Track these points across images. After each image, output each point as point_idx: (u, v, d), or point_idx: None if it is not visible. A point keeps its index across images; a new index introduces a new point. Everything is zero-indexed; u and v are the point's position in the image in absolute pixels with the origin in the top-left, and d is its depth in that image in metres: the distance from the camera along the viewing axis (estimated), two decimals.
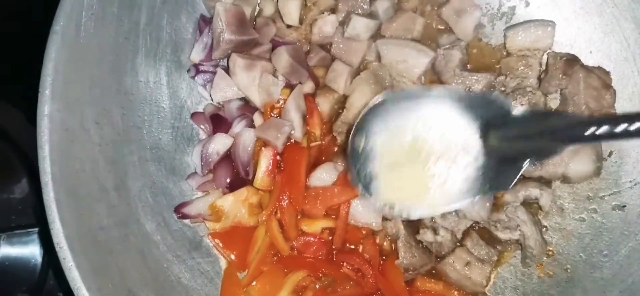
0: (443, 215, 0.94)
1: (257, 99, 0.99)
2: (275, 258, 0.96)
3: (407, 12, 1.02)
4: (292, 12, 1.02)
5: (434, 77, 1.02)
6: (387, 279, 0.92)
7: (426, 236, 0.94)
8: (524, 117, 0.72)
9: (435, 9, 1.03)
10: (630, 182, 0.96)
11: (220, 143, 0.98)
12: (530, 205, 0.97)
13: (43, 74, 0.76)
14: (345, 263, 0.93)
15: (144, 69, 0.94)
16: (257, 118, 1.00)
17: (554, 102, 0.99)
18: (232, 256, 0.97)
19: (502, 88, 0.99)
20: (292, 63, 0.97)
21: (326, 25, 1.02)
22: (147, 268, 0.86)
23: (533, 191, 0.94)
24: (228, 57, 1.01)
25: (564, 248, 0.98)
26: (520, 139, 0.72)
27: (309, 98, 1.00)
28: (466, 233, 0.96)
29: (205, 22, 1.03)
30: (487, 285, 0.94)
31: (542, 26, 0.99)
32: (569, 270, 0.97)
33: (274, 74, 1.00)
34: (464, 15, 1.00)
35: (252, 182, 0.97)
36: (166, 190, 0.96)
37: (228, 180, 0.99)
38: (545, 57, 1.00)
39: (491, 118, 0.74)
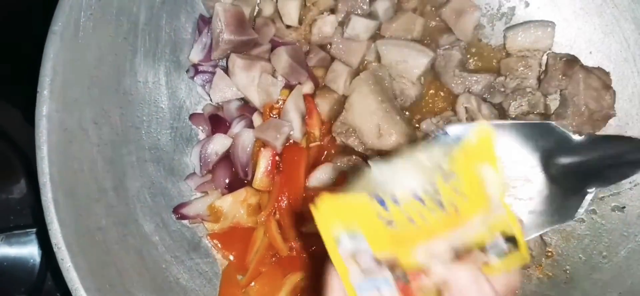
0: None
1: (256, 99, 0.99)
2: (274, 259, 0.96)
3: (406, 13, 1.02)
4: (291, 13, 1.02)
5: (434, 77, 1.02)
6: None
7: None
8: (586, 143, 0.71)
9: (435, 9, 1.03)
10: (630, 183, 0.96)
11: (219, 144, 0.98)
12: None
13: (41, 74, 0.75)
14: None
15: (142, 69, 0.94)
16: (256, 119, 1.00)
17: (553, 103, 0.99)
18: (231, 257, 0.97)
19: (502, 89, 0.99)
20: (292, 63, 0.97)
21: (326, 26, 1.02)
22: (146, 268, 0.86)
23: None
24: (227, 57, 1.00)
25: (563, 249, 0.98)
26: (583, 167, 0.71)
27: (309, 98, 1.00)
28: None
29: (205, 22, 1.03)
30: None
31: (542, 27, 0.99)
32: (568, 271, 0.96)
33: (273, 74, 1.00)
34: (463, 15, 1.00)
35: (251, 183, 0.97)
36: (165, 190, 0.96)
37: (227, 181, 0.99)
38: (544, 57, 1.00)
39: (551, 147, 0.72)
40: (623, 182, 0.96)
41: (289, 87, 0.99)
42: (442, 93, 1.01)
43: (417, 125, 1.00)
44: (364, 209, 0.44)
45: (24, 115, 1.11)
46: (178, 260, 0.93)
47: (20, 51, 1.03)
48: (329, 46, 1.03)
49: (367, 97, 0.94)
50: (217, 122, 1.01)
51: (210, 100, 1.03)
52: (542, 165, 0.72)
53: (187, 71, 1.03)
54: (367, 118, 0.93)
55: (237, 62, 0.97)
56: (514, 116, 0.97)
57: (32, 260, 1.04)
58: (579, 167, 0.71)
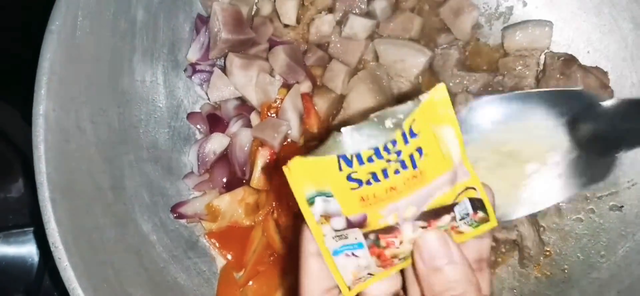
0: None
1: (254, 99, 0.99)
2: (271, 258, 0.96)
3: (404, 12, 1.02)
4: (289, 12, 1.02)
5: (432, 76, 1.02)
6: None
7: None
8: (615, 108, 0.71)
9: (433, 8, 1.03)
10: (628, 182, 0.96)
11: (216, 143, 0.98)
12: None
13: (38, 73, 0.75)
14: None
15: (140, 68, 0.94)
16: (254, 118, 0.99)
17: None
18: (229, 257, 0.97)
19: (500, 88, 0.99)
20: (289, 62, 0.97)
21: (323, 25, 1.02)
22: (143, 267, 0.86)
23: None
24: (225, 56, 1.00)
25: (562, 248, 0.98)
26: (612, 131, 0.70)
27: (306, 97, 1.00)
28: None
29: (202, 21, 1.03)
30: None
31: (540, 26, 0.99)
32: (566, 271, 0.96)
33: (271, 73, 1.00)
34: (461, 15, 1.00)
35: (249, 182, 0.97)
36: (163, 189, 0.96)
37: (225, 180, 0.99)
38: (542, 57, 1.00)
39: (578, 112, 0.72)
40: (621, 181, 0.96)
41: (287, 86, 0.99)
42: None
43: None
44: (333, 170, 0.45)
45: (22, 114, 1.11)
46: (176, 259, 0.93)
47: (18, 50, 1.03)
48: (326, 45, 1.02)
49: (365, 96, 0.94)
50: (215, 121, 1.01)
51: (208, 99, 1.03)
52: (568, 130, 0.73)
53: (185, 70, 1.03)
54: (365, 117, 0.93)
55: (234, 61, 0.97)
56: None
57: (30, 259, 1.04)
58: (608, 132, 0.71)
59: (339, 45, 1.01)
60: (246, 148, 0.98)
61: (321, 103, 0.99)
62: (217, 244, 0.98)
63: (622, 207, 0.96)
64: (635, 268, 0.91)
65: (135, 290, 0.82)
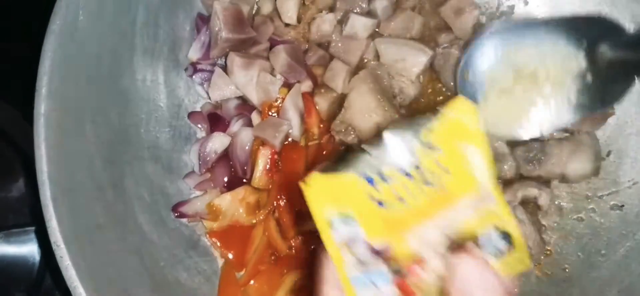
0: None
1: (254, 98, 0.99)
2: (273, 257, 0.96)
3: (405, 11, 1.02)
4: (290, 11, 1.02)
5: (433, 76, 1.02)
6: None
7: None
8: (638, 35, 0.71)
9: (434, 8, 1.03)
10: (629, 181, 0.96)
11: (217, 142, 0.98)
12: (529, 205, 0.96)
13: (39, 72, 0.75)
14: None
15: (141, 67, 0.94)
16: (255, 117, 1.00)
17: None
18: (230, 256, 0.97)
19: None
20: (290, 62, 0.97)
21: (324, 24, 1.01)
22: (144, 267, 0.86)
23: (531, 190, 0.94)
24: (226, 55, 1.00)
25: (563, 247, 0.98)
26: (633, 56, 0.71)
27: (307, 97, 1.00)
28: None
29: (203, 20, 1.02)
30: None
31: None
32: (567, 270, 0.96)
33: (272, 72, 1.00)
34: (462, 14, 1.00)
35: (250, 181, 0.97)
36: (163, 189, 0.96)
37: (226, 179, 0.99)
38: None
39: (599, 36, 0.73)
40: (622, 180, 0.96)
41: (288, 86, 0.99)
42: (441, 92, 1.01)
43: None
44: (354, 189, 0.43)
45: (23, 114, 1.11)
46: (177, 258, 0.93)
47: (19, 50, 1.03)
48: (327, 44, 1.02)
49: (366, 95, 0.94)
50: (216, 121, 1.01)
51: (209, 98, 1.03)
52: (588, 55, 0.73)
53: (186, 69, 1.03)
54: (366, 116, 0.93)
55: (235, 61, 0.97)
56: None
57: (31, 259, 1.04)
58: (629, 58, 0.71)
59: (339, 45, 1.01)
60: (247, 148, 0.98)
61: (322, 103, 0.99)
62: (218, 243, 0.98)
63: (623, 206, 0.96)
64: (636, 267, 0.91)
65: (136, 288, 0.82)
